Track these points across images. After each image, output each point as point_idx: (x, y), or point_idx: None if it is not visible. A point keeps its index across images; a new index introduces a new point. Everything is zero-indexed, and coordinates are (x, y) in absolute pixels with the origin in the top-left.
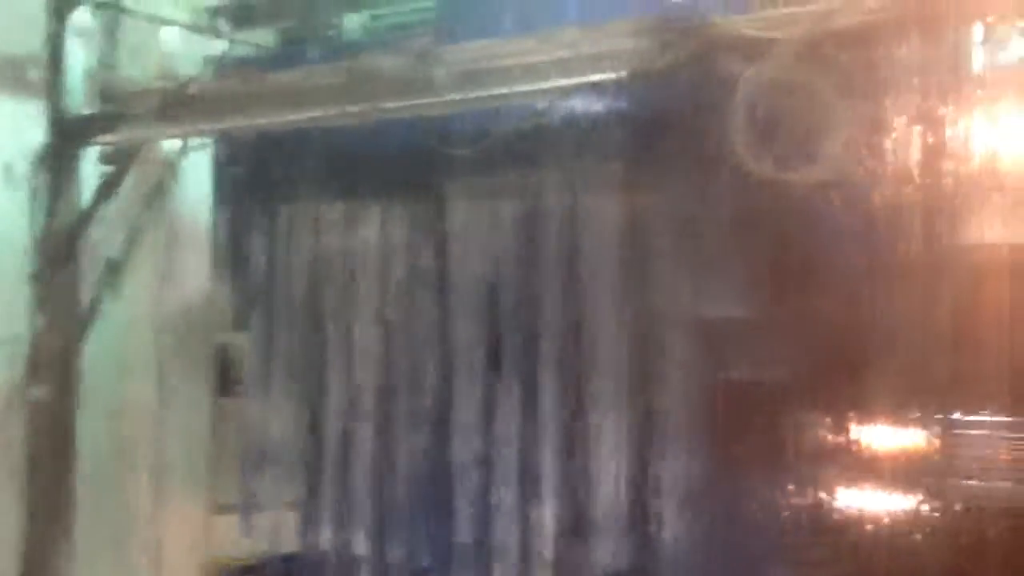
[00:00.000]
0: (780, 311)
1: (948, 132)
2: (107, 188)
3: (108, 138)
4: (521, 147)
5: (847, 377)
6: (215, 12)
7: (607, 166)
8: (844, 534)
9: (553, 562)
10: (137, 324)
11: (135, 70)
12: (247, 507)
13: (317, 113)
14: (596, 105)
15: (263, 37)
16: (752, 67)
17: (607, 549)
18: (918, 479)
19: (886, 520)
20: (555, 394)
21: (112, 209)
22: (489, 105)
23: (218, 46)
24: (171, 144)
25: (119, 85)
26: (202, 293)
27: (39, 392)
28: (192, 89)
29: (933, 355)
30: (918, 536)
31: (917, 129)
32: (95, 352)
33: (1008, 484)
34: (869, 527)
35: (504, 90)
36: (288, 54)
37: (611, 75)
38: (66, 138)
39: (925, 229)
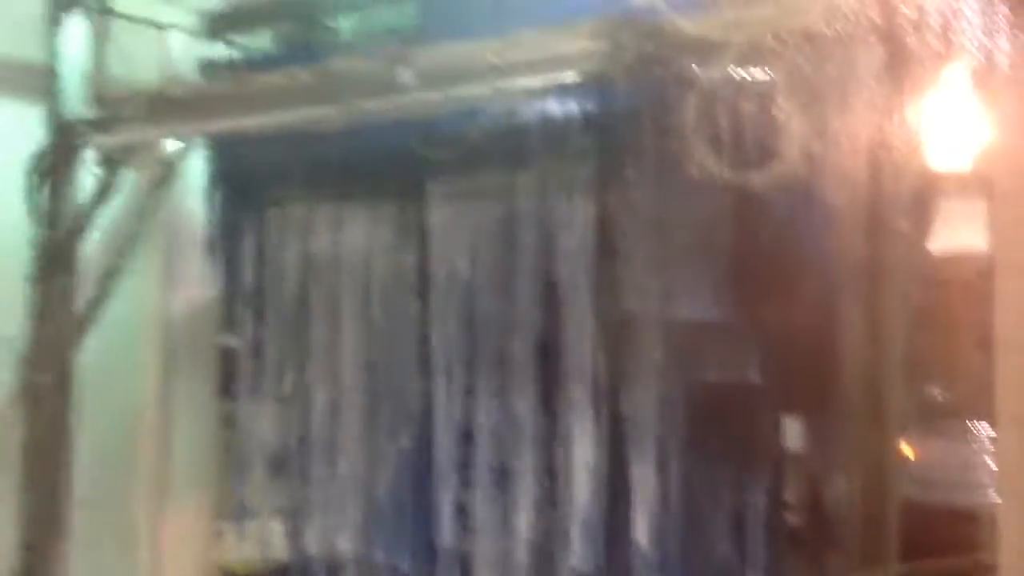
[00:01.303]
0: (739, 311)
1: (896, 132)
2: (104, 190)
3: (103, 140)
4: (495, 148)
5: (809, 377)
6: (210, 16)
7: (578, 167)
8: (814, 532)
9: (529, 565)
10: (137, 326)
11: (130, 74)
12: (237, 514)
13: (296, 115)
14: (562, 106)
15: (258, 41)
16: (706, 68)
17: (582, 551)
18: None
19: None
20: (532, 395)
21: (110, 211)
22: (457, 106)
23: (213, 50)
24: (168, 146)
25: (113, 88)
26: (203, 295)
27: (36, 394)
28: (177, 91)
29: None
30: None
31: (865, 129)
32: (95, 354)
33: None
34: (838, 532)
35: (469, 90)
36: (284, 58)
37: (572, 76)
38: (63, 141)
39: (874, 228)
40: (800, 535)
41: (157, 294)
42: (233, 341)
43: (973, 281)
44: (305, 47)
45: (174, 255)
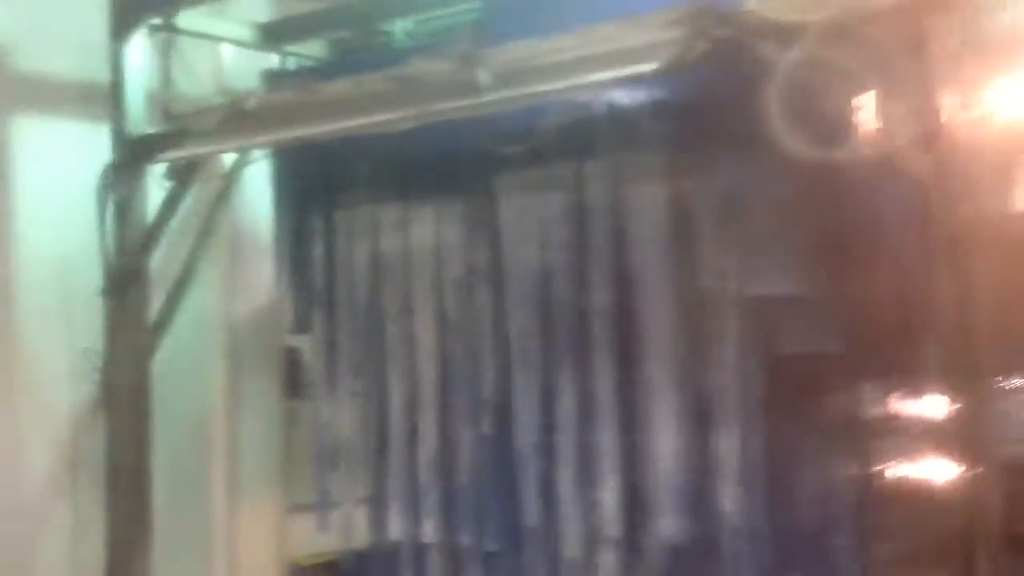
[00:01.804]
0: (826, 287)
1: (983, 107)
2: (172, 203)
3: (172, 155)
4: (567, 141)
5: (899, 349)
6: (267, 27)
7: (651, 154)
8: (900, 504)
9: (618, 540)
10: (206, 333)
11: (193, 88)
12: (320, 504)
13: (367, 121)
14: (637, 96)
15: (315, 49)
16: (786, 51)
17: (670, 526)
18: (971, 445)
19: (940, 488)
20: (612, 377)
21: (177, 223)
22: (532, 103)
23: (271, 60)
24: (230, 157)
25: (180, 104)
26: (267, 299)
27: (115, 403)
28: (248, 104)
29: (979, 323)
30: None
31: (951, 104)
32: (166, 362)
33: None
34: (924, 495)
35: (546, 87)
36: (340, 65)
37: (649, 67)
38: (130, 157)
39: (964, 201)
40: (888, 502)
41: (222, 300)
42: (299, 342)
43: None
44: (361, 53)
45: (237, 262)
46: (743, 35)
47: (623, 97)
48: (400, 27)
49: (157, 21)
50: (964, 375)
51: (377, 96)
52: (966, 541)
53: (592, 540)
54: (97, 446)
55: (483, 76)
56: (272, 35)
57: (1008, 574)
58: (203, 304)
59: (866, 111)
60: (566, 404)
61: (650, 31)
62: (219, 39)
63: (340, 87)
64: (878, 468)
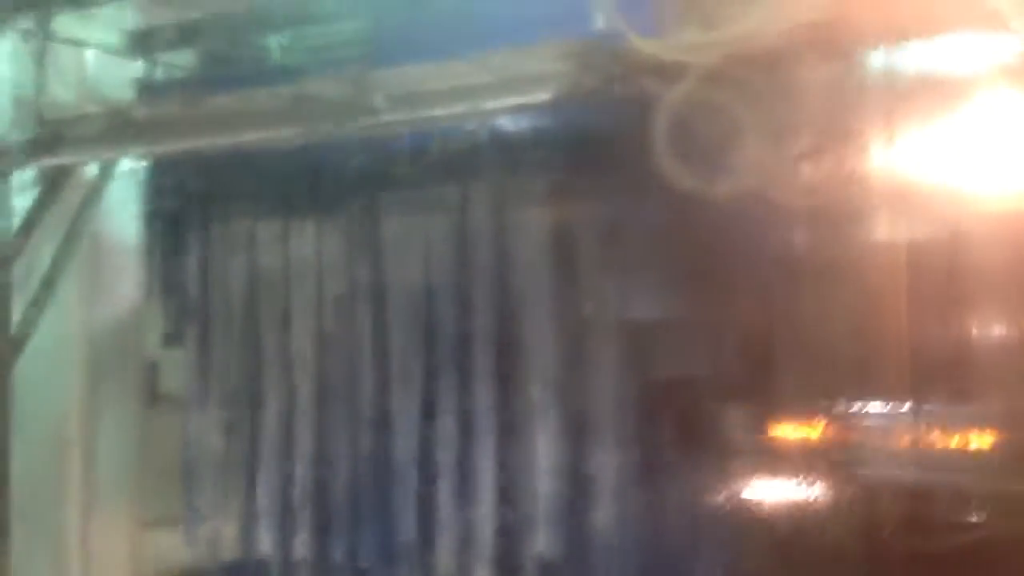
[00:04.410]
0: (700, 313)
1: (857, 147)
2: (39, 210)
3: (46, 161)
4: (453, 163)
5: (764, 373)
6: (138, 35)
7: (535, 180)
8: (765, 524)
9: (490, 555)
10: (67, 343)
11: (63, 94)
12: (184, 518)
13: (256, 136)
14: (523, 123)
15: (185, 59)
16: (670, 89)
17: (544, 542)
18: (833, 468)
19: (802, 509)
20: (491, 396)
21: (40, 231)
22: (424, 127)
23: (136, 69)
24: (95, 165)
25: (53, 109)
26: (130, 310)
27: None
28: (135, 113)
29: (841, 349)
30: (833, 523)
31: (827, 144)
32: (26, 372)
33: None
34: (788, 516)
35: (439, 112)
36: (214, 77)
37: (539, 97)
38: None
39: (831, 234)
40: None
41: (84, 310)
42: (163, 355)
43: None
44: (236, 65)
45: (101, 272)
46: (631, 72)
47: (509, 123)
48: (276, 42)
49: (29, 25)
50: (825, 399)
51: (267, 113)
52: (827, 560)
53: (467, 556)
54: None
55: (378, 99)
56: (143, 43)
57: None
58: (64, 313)
59: (744, 148)
60: (445, 422)
61: (541, 62)
62: (89, 45)
63: (228, 101)
64: (743, 488)
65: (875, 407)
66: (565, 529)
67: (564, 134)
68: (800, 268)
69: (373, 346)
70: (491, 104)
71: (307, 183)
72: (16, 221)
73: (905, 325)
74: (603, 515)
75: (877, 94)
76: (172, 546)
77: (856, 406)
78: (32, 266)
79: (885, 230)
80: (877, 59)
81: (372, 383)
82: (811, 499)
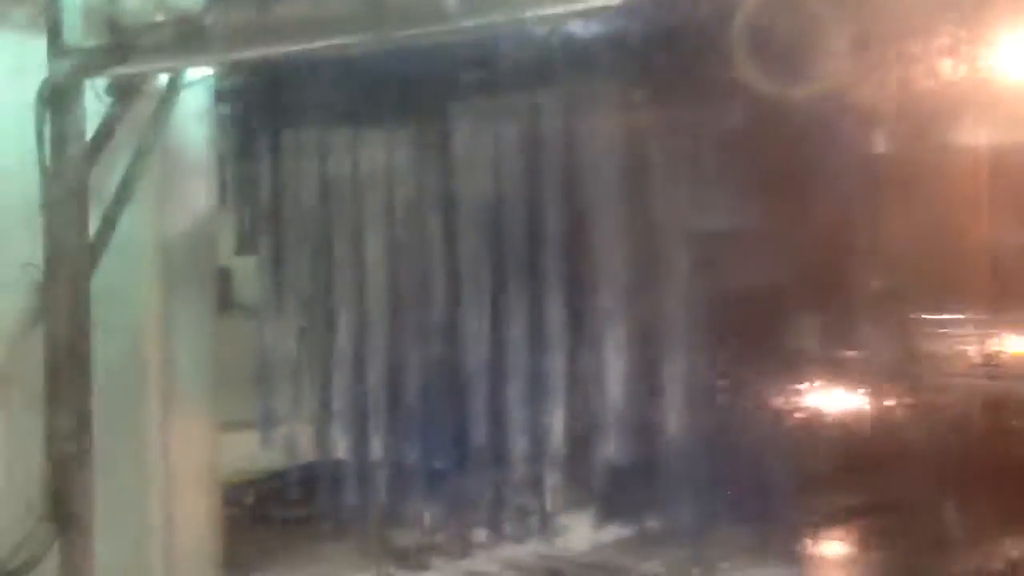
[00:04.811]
0: (776, 222)
1: (942, 50)
2: (113, 120)
3: (119, 70)
4: (524, 71)
5: (840, 282)
6: None
7: (611, 88)
8: (839, 434)
9: (560, 460)
10: (143, 252)
11: (133, 2)
12: (258, 422)
13: (327, 43)
14: (600, 28)
15: None
16: None
17: (611, 448)
18: (908, 377)
19: (875, 419)
20: (560, 304)
21: (114, 140)
22: (496, 32)
23: None
24: (167, 75)
25: (124, 18)
26: (202, 219)
27: (55, 320)
28: (206, 21)
29: (921, 257)
30: (909, 432)
31: (910, 48)
32: (103, 281)
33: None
34: (860, 426)
35: (512, 15)
36: None
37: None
38: (70, 71)
39: (913, 140)
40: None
41: (158, 219)
42: (241, 262)
43: None
44: None
45: (173, 181)
46: None
47: (581, 28)
48: None
49: None
50: (899, 309)
51: (338, 19)
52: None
53: (537, 460)
54: (31, 362)
55: (451, 3)
56: None
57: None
58: (139, 222)
59: (824, 52)
60: (515, 329)
61: None
62: None
63: (299, 8)
64: (817, 397)
65: (955, 315)
66: (635, 436)
67: (637, 38)
68: (880, 175)
69: (444, 254)
70: (565, 8)
71: (378, 91)
72: (89, 131)
73: (986, 233)
74: (673, 423)
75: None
76: (248, 448)
77: (935, 314)
78: (106, 176)
79: (968, 137)
80: None
81: (443, 290)
82: (885, 409)
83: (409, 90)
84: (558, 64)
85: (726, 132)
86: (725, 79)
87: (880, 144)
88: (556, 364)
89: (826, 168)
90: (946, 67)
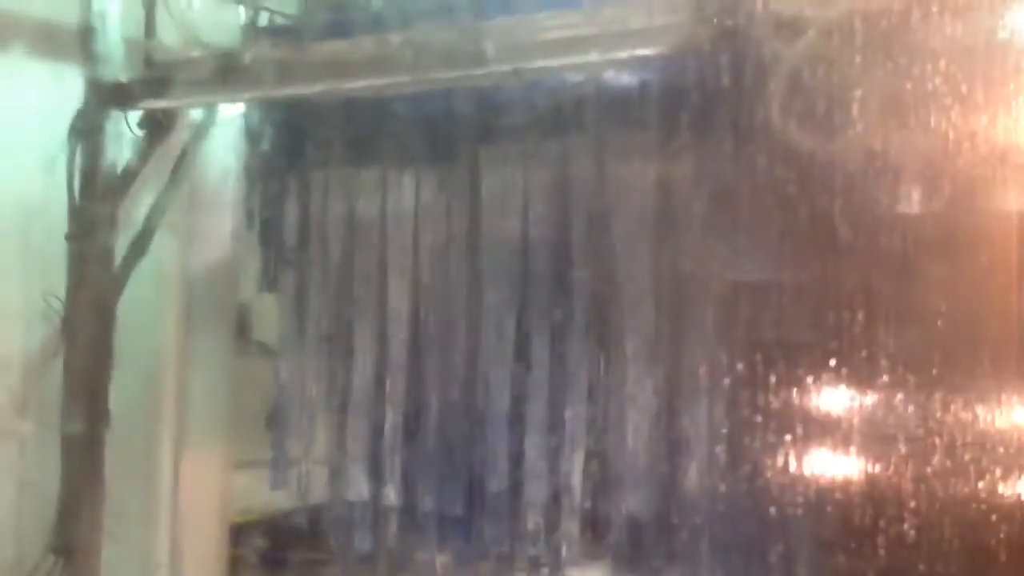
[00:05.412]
0: (805, 276)
1: (982, 108)
2: (145, 153)
3: (154, 103)
4: (557, 117)
5: (868, 342)
6: None
7: (639, 135)
8: (863, 496)
9: (579, 510)
10: (165, 284)
11: (170, 38)
12: (272, 461)
13: (364, 83)
14: (635, 78)
15: (288, 6)
16: (788, 44)
17: (631, 499)
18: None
19: (900, 484)
20: (585, 351)
21: (144, 173)
22: (532, 78)
23: (236, 14)
24: (200, 109)
25: (163, 51)
26: (226, 256)
27: (75, 351)
28: (245, 58)
29: (951, 323)
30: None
31: (949, 105)
32: (124, 310)
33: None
34: (884, 489)
35: (549, 63)
36: (315, 24)
37: (651, 49)
38: (106, 102)
39: (948, 201)
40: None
41: (182, 253)
42: (262, 299)
43: None
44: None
45: (200, 215)
46: (746, 24)
47: (616, 77)
48: None
49: None
50: (931, 371)
51: (376, 59)
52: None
53: (556, 510)
54: (48, 393)
55: (490, 48)
56: None
57: None
58: (163, 256)
59: (860, 109)
60: (538, 375)
61: (654, 15)
62: None
63: (336, 47)
64: (841, 458)
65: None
66: (656, 489)
67: (673, 89)
68: (912, 235)
69: (468, 298)
70: (601, 56)
71: (408, 132)
72: (119, 163)
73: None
74: (695, 478)
75: (1005, 55)
76: (259, 487)
77: (963, 379)
78: (134, 207)
79: (1005, 200)
80: (1010, 18)
81: (466, 335)
82: (909, 473)
83: (439, 132)
84: (591, 111)
85: (759, 187)
86: (760, 134)
87: (916, 204)
88: (577, 413)
89: (858, 227)
90: (985, 126)
